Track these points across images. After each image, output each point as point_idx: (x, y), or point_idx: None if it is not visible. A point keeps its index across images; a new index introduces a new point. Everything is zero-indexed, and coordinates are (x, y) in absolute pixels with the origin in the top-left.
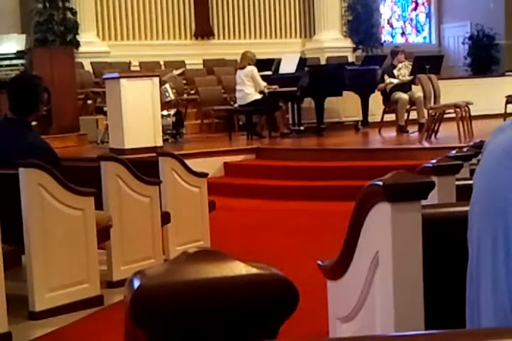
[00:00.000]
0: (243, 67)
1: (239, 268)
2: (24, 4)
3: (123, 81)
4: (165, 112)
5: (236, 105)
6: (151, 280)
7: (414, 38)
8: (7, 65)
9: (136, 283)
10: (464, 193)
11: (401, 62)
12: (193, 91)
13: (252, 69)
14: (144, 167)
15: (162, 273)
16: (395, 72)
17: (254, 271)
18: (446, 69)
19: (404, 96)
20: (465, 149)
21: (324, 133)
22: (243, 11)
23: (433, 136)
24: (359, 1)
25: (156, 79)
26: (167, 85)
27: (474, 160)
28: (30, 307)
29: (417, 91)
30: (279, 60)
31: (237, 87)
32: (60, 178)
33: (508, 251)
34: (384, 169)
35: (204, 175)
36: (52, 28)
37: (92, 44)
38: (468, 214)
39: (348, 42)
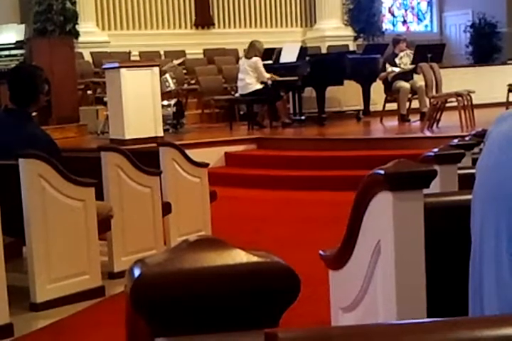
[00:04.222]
0: (249, 58)
1: (240, 256)
2: None
3: (123, 71)
4: (165, 102)
5: (237, 95)
6: (152, 268)
7: (415, 27)
8: (6, 56)
9: (137, 272)
10: (466, 182)
11: (403, 50)
12: (193, 81)
13: (256, 60)
14: (144, 157)
15: (163, 262)
16: (397, 60)
17: (255, 258)
18: (448, 57)
19: (406, 85)
20: (467, 138)
21: (325, 122)
22: (243, 0)
23: (435, 125)
24: None
25: (156, 69)
26: (167, 75)
27: (476, 149)
28: (31, 298)
29: (418, 80)
30: (280, 49)
31: (240, 76)
32: (60, 169)
33: (510, 241)
34: (386, 158)
35: (205, 165)
36: (51, 17)
37: (91, 34)
38: (471, 203)
39: (349, 31)
